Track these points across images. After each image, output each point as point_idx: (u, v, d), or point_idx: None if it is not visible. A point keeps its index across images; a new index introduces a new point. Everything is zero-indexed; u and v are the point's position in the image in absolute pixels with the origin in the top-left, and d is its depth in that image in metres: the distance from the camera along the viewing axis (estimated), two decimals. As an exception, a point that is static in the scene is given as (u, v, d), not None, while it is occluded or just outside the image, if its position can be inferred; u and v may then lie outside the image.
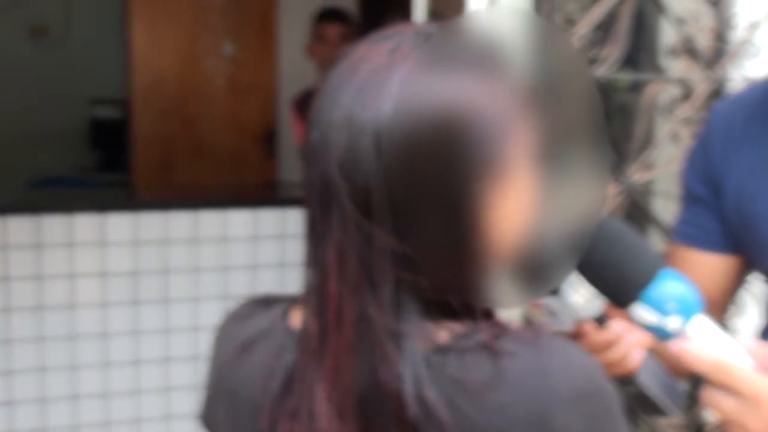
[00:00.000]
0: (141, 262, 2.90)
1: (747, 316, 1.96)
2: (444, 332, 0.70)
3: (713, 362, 0.82)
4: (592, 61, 1.92)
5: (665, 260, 0.87)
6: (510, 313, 0.77)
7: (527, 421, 0.66)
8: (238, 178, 4.68)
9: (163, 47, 4.67)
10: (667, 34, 2.20)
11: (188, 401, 2.84)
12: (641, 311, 0.83)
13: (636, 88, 2.11)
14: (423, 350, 0.69)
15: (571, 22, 1.97)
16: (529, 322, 0.96)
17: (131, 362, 2.92)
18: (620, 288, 0.84)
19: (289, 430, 0.72)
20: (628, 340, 0.92)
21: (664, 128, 2.11)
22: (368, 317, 0.69)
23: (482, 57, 0.71)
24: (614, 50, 1.94)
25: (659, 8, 2.17)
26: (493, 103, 0.70)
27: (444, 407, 0.67)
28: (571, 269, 0.79)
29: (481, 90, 0.69)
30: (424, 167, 0.68)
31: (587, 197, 0.75)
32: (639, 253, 0.84)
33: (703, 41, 2.10)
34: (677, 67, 2.18)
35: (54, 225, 2.80)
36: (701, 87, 2.06)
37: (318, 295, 0.72)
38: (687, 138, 2.00)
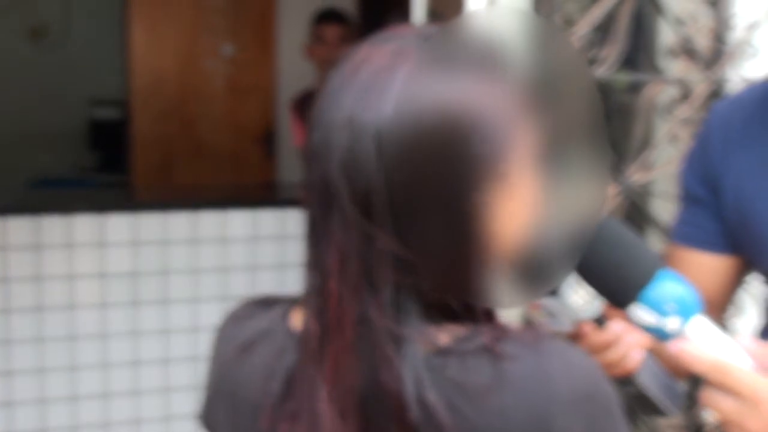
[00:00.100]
0: (140, 262, 2.90)
1: (746, 316, 1.96)
2: (445, 334, 0.70)
3: (712, 362, 0.82)
4: (591, 62, 1.92)
5: (664, 261, 0.87)
6: (509, 314, 0.77)
7: (527, 424, 0.66)
8: (237, 179, 4.68)
9: (163, 48, 4.67)
10: (666, 35, 2.20)
11: (188, 402, 2.84)
12: (640, 312, 0.83)
13: (635, 88, 2.11)
14: (423, 352, 0.69)
15: (570, 22, 1.97)
16: (528, 322, 0.96)
17: (131, 363, 2.92)
18: (619, 289, 0.84)
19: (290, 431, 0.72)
20: (627, 341, 0.92)
21: (662, 129, 2.12)
22: (369, 319, 0.69)
23: (482, 57, 0.71)
24: (613, 51, 1.94)
25: (658, 9, 2.17)
26: (494, 104, 0.70)
27: (444, 409, 0.67)
28: (570, 270, 0.79)
29: (482, 91, 0.69)
30: (426, 168, 0.68)
31: (587, 198, 0.75)
32: (638, 253, 0.84)
33: (702, 42, 2.10)
34: (676, 67, 2.18)
35: (53, 226, 2.80)
36: (700, 87, 2.06)
37: (318, 296, 0.72)
38: (686, 139, 2.00)
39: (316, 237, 0.73)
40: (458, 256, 0.70)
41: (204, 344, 2.36)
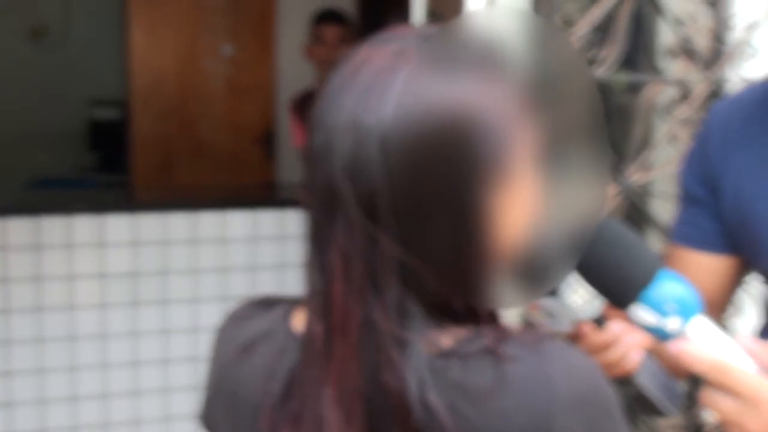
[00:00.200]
0: (140, 263, 2.90)
1: (745, 316, 1.96)
2: (447, 337, 0.70)
3: (712, 363, 0.82)
4: (591, 62, 1.92)
5: (663, 261, 0.87)
6: (509, 314, 0.77)
7: (528, 425, 0.66)
8: (237, 179, 4.68)
9: (163, 48, 4.67)
10: (666, 35, 2.20)
11: (188, 402, 2.84)
12: (640, 312, 0.83)
13: (634, 89, 2.11)
14: (426, 354, 0.69)
15: (569, 22, 1.97)
16: (527, 323, 0.96)
17: (130, 363, 2.92)
18: (619, 289, 0.84)
19: None
20: (626, 341, 0.92)
21: (662, 129, 2.12)
22: (373, 322, 0.69)
23: (483, 58, 0.71)
24: (612, 51, 1.95)
25: (657, 9, 2.18)
26: (495, 104, 0.70)
27: (446, 411, 0.67)
28: (571, 269, 0.79)
29: (483, 91, 0.69)
30: (428, 170, 0.68)
31: (587, 198, 0.75)
32: (638, 254, 0.84)
33: (701, 42, 2.10)
34: (675, 68, 2.18)
35: (53, 226, 2.80)
36: (699, 88, 2.06)
37: (322, 299, 0.72)
38: (685, 139, 2.00)
39: (319, 239, 0.73)
40: (460, 257, 0.70)
41: (204, 344, 2.36)
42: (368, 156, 0.68)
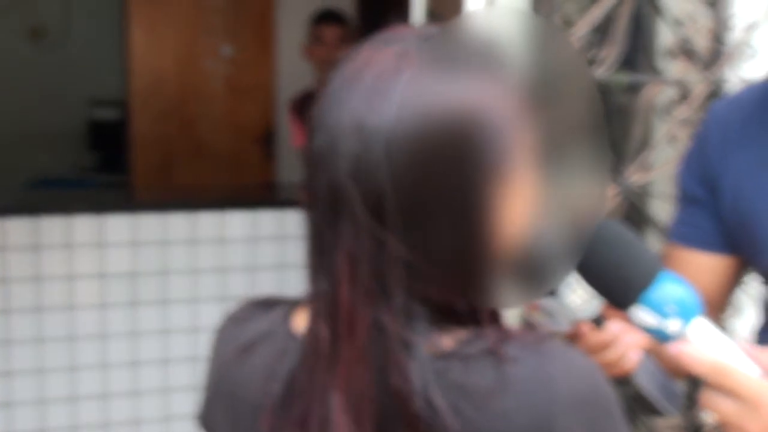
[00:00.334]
0: (140, 263, 2.90)
1: (744, 317, 1.96)
2: (448, 338, 0.70)
3: (712, 364, 0.82)
4: (590, 63, 1.92)
5: (662, 261, 0.87)
6: (508, 314, 0.77)
7: (529, 426, 0.66)
8: (236, 179, 4.68)
9: (162, 48, 4.67)
10: (665, 36, 2.20)
11: (187, 402, 2.84)
12: (641, 313, 0.83)
13: (633, 89, 2.11)
14: (429, 356, 0.69)
15: (569, 23, 1.97)
16: (527, 323, 0.96)
17: (130, 363, 2.92)
18: (620, 290, 0.84)
19: None
20: (625, 341, 0.92)
21: (661, 129, 2.12)
22: (381, 324, 0.69)
23: (483, 58, 0.71)
24: (612, 51, 1.95)
25: (657, 10, 2.18)
26: (497, 104, 0.69)
27: (449, 413, 0.67)
28: (571, 270, 0.79)
29: (485, 91, 0.69)
30: (433, 171, 0.68)
31: (587, 198, 0.75)
32: (638, 255, 0.84)
33: (701, 43, 2.10)
34: (675, 68, 2.18)
35: (53, 226, 2.80)
36: (699, 88, 2.06)
37: (328, 302, 0.72)
38: (684, 139, 2.00)
39: (322, 242, 0.72)
40: (463, 257, 0.70)
41: (203, 344, 2.36)
42: (374, 158, 0.68)
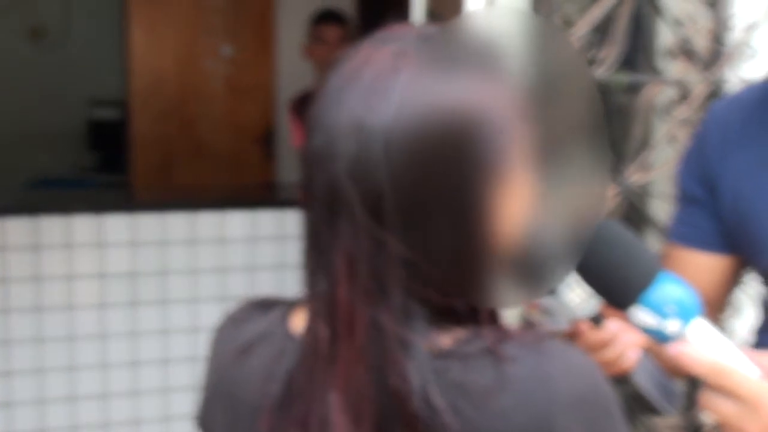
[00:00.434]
0: (139, 263, 2.90)
1: (744, 316, 1.96)
2: (448, 337, 0.70)
3: (711, 365, 0.82)
4: (590, 63, 1.92)
5: (661, 261, 0.87)
6: (507, 314, 0.77)
7: (529, 425, 0.66)
8: (236, 179, 4.68)
9: (162, 48, 4.67)
10: (665, 36, 2.21)
11: (187, 402, 2.84)
12: (640, 314, 0.83)
13: (633, 89, 2.11)
14: (428, 355, 0.69)
15: (569, 23, 1.97)
16: (526, 321, 0.96)
17: (130, 363, 2.92)
18: (619, 290, 0.84)
19: None
20: (623, 340, 0.92)
21: (661, 130, 2.12)
22: (379, 324, 0.69)
23: (482, 58, 0.71)
24: (612, 52, 1.95)
25: (657, 10, 2.18)
26: (496, 104, 0.69)
27: (448, 412, 0.67)
28: (571, 270, 0.79)
29: (484, 91, 0.69)
30: (433, 171, 0.68)
31: (587, 198, 0.75)
32: (638, 255, 0.84)
33: (701, 43, 2.10)
34: (674, 68, 2.18)
35: (52, 226, 2.80)
36: (698, 88, 2.06)
37: (327, 302, 0.72)
38: (684, 139, 2.00)
39: (321, 242, 0.72)
40: (462, 256, 0.70)
41: (203, 344, 2.35)
42: (373, 158, 0.68)
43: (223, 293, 2.98)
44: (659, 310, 0.82)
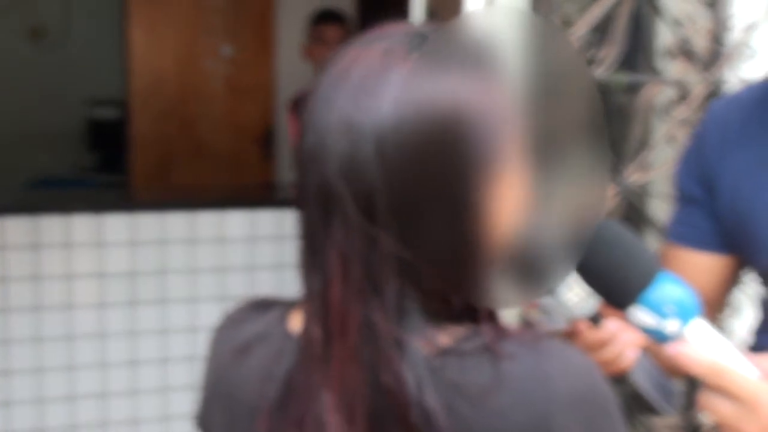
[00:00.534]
0: (138, 262, 2.90)
1: (743, 316, 1.96)
2: (445, 336, 0.70)
3: (710, 365, 0.82)
4: (590, 63, 1.92)
5: (660, 261, 0.87)
6: (507, 313, 0.77)
7: (527, 424, 0.66)
8: (236, 179, 4.68)
9: (162, 48, 4.67)
10: (664, 36, 2.21)
11: (186, 402, 2.84)
12: (639, 314, 0.83)
13: (633, 89, 2.11)
14: (424, 354, 0.69)
15: (568, 23, 1.97)
16: (524, 320, 0.96)
17: (129, 363, 2.92)
18: (619, 290, 0.83)
19: None
20: (622, 339, 0.92)
21: (660, 130, 2.12)
22: (372, 323, 0.69)
23: (481, 57, 0.71)
24: (611, 52, 1.95)
25: (656, 10, 2.18)
26: (493, 104, 0.69)
27: (443, 411, 0.67)
28: (570, 269, 0.79)
29: (481, 90, 0.69)
30: (426, 168, 0.68)
31: (587, 198, 0.75)
32: (637, 255, 0.84)
33: (700, 43, 2.10)
34: (674, 68, 2.18)
35: (52, 225, 2.80)
36: (698, 89, 2.06)
37: (320, 301, 0.72)
38: (683, 139, 2.00)
39: (315, 241, 0.72)
40: (458, 255, 0.70)
41: (202, 344, 2.36)
42: (364, 156, 0.68)
43: (222, 293, 2.98)
44: (658, 310, 0.82)
